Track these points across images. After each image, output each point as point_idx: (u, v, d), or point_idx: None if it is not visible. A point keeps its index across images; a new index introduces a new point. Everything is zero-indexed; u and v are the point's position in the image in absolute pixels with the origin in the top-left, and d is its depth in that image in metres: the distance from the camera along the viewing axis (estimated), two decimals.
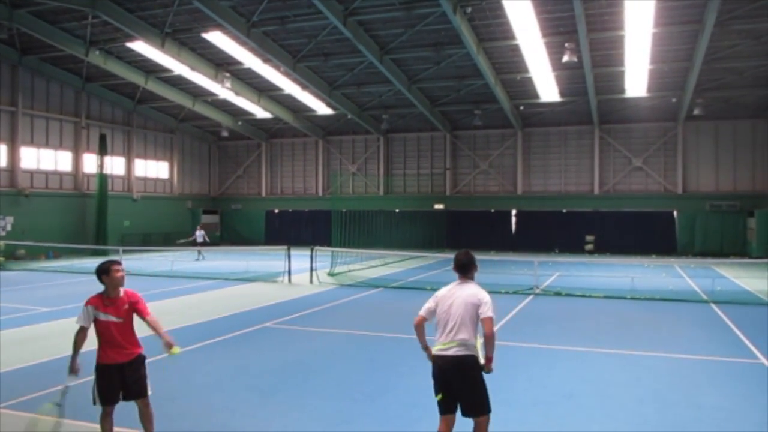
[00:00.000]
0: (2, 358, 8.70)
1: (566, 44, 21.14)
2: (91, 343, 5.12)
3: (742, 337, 10.48)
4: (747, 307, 13.81)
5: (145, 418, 5.22)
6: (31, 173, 29.06)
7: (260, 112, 33.76)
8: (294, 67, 25.80)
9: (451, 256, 5.79)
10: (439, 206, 34.52)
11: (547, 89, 27.81)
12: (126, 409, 5.31)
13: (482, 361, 4.86)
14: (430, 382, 4.95)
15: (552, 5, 19.76)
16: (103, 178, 30.95)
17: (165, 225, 35.32)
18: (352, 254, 22.11)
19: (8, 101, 27.92)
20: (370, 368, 8.37)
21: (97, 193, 30.75)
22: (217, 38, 24.02)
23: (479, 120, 31.07)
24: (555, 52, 22.73)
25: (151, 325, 5.20)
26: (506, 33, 21.91)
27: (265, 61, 26.12)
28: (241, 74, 28.71)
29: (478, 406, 4.82)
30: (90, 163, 31.51)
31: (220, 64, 27.42)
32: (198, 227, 29.94)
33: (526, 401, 6.87)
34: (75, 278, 19.31)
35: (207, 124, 37.21)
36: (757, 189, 29.90)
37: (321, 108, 32.91)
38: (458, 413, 4.88)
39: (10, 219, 27.39)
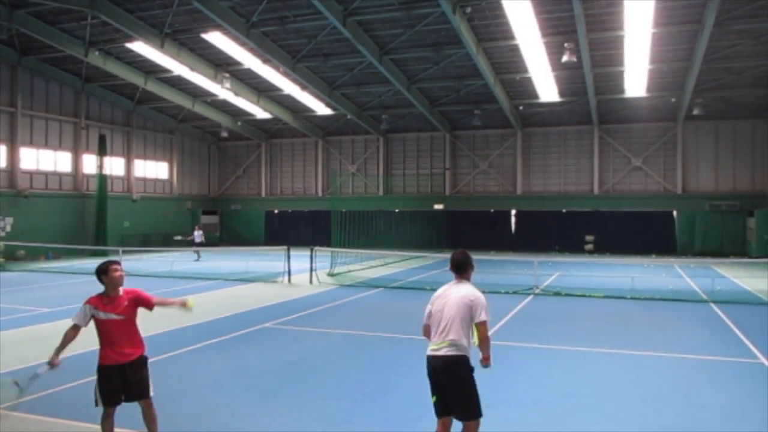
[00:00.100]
0: (2, 359, 8.70)
1: (566, 44, 21.14)
2: (94, 344, 5.13)
3: (742, 336, 10.49)
4: (747, 306, 13.82)
5: (149, 418, 5.23)
6: (31, 174, 29.03)
7: (260, 113, 33.75)
8: (293, 68, 25.80)
9: None
10: (438, 206, 34.49)
11: (547, 89, 27.81)
12: (127, 411, 5.31)
13: (478, 359, 4.85)
14: (428, 383, 4.95)
15: (551, 5, 19.77)
16: (102, 178, 30.95)
17: (165, 226, 35.27)
18: (352, 254, 22.11)
19: (8, 102, 27.90)
20: (370, 368, 8.37)
21: (96, 193, 30.74)
22: (217, 39, 24.01)
23: (479, 120, 31.06)
24: (554, 52, 22.74)
25: (161, 305, 5.25)
26: (506, 33, 21.92)
27: (265, 61, 26.12)
28: (240, 74, 28.71)
29: (467, 409, 4.71)
30: (89, 163, 31.49)
31: (220, 64, 27.41)
32: (197, 227, 29.97)
33: (526, 401, 6.87)
34: (75, 279, 19.30)
35: (206, 124, 37.20)
36: (756, 189, 29.90)
37: (320, 108, 32.90)
38: None
39: (9, 220, 27.36)
